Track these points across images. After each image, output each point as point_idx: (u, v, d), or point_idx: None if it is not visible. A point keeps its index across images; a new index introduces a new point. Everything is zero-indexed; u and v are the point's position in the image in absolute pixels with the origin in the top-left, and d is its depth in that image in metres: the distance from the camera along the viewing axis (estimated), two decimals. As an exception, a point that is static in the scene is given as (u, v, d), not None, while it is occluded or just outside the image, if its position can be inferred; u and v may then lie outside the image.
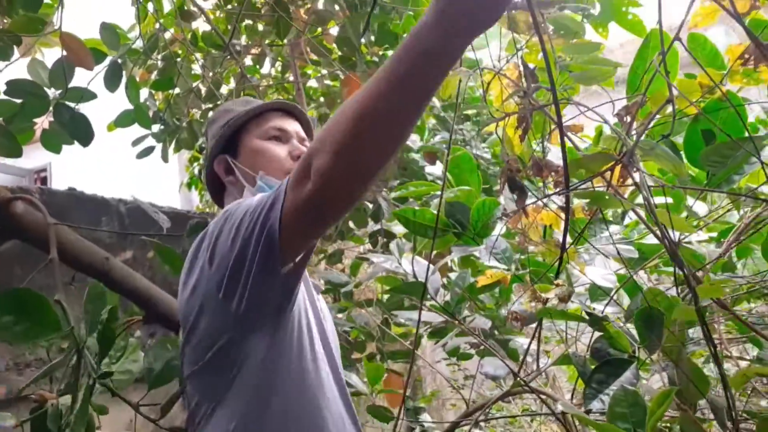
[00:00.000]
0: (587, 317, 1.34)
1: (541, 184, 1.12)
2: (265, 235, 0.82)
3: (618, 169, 0.99)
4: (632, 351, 1.24)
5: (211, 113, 3.07)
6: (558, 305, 1.22)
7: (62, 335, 1.35)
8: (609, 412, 0.98)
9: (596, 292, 1.42)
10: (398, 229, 2.65)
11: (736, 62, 0.84)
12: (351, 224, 2.62)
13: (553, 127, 1.21)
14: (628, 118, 1.06)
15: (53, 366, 1.30)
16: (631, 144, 0.83)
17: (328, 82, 3.34)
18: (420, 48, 0.64)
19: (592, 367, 1.27)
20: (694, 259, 1.28)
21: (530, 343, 1.54)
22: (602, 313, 1.35)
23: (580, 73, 0.98)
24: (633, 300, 1.33)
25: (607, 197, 0.92)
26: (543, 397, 1.29)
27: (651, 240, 1.43)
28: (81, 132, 1.89)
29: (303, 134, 1.22)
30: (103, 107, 2.69)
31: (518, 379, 1.26)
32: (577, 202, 1.23)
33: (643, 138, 0.89)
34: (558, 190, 0.96)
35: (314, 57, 2.89)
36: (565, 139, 0.88)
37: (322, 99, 3.34)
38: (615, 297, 1.43)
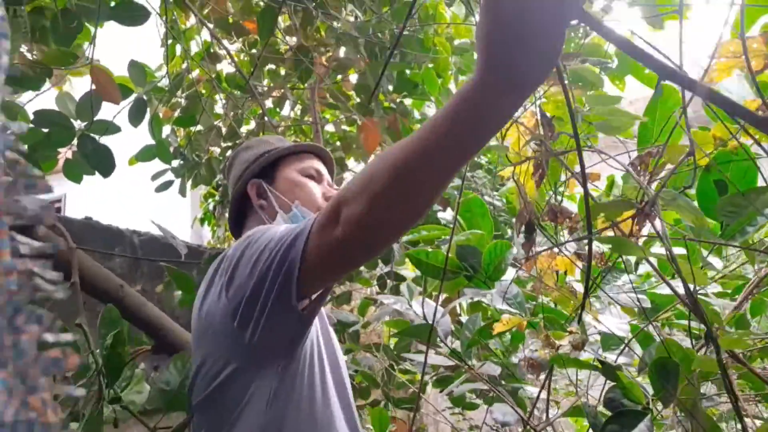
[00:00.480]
0: (600, 366, 1.33)
1: (552, 232, 1.13)
2: (284, 272, 0.82)
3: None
4: (646, 403, 1.22)
5: (230, 151, 3.14)
6: (571, 353, 1.21)
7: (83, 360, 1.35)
8: (623, 464, 0.96)
9: (608, 341, 1.41)
10: (407, 272, 2.65)
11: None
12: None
13: (567, 174, 1.24)
14: (643, 168, 1.08)
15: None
16: (652, 193, 0.85)
17: (345, 127, 3.42)
18: (467, 107, 0.62)
19: (604, 419, 1.25)
20: (711, 312, 1.27)
21: (540, 391, 1.51)
22: (615, 362, 1.33)
23: (602, 122, 1.01)
24: (646, 350, 1.32)
25: (628, 245, 0.93)
26: (553, 447, 1.26)
27: (664, 290, 1.43)
28: (103, 163, 1.94)
29: (330, 181, 1.26)
30: (120, 142, 2.76)
31: (528, 427, 1.24)
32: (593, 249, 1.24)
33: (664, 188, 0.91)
34: (579, 236, 0.97)
35: (332, 102, 2.98)
36: (587, 186, 0.90)
37: (338, 143, 3.41)
38: (626, 348, 1.42)
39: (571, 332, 1.24)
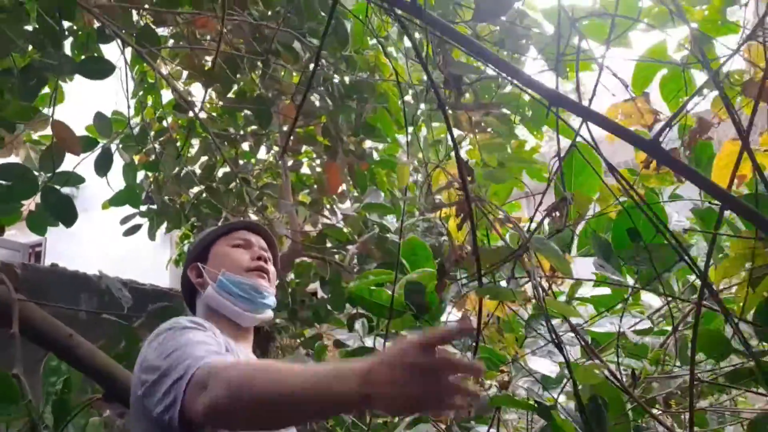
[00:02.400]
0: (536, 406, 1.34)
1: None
2: (168, 417, 0.94)
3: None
4: (579, 443, 1.24)
5: (204, 195, 3.19)
6: (500, 391, 1.24)
7: (19, 409, 1.37)
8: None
9: (549, 380, 1.43)
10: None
11: (643, 167, 0.92)
12: (329, 307, 2.65)
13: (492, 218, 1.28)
14: (558, 215, 1.13)
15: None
16: (527, 239, 0.89)
17: (319, 169, 3.48)
18: (334, 401, 0.77)
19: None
20: (636, 349, 1.30)
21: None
22: (557, 400, 1.36)
23: (489, 172, 1.06)
24: (584, 389, 1.34)
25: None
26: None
27: (602, 328, 1.45)
28: (65, 213, 1.98)
29: (265, 246, 1.37)
30: (101, 187, 2.81)
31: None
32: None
33: (540, 236, 0.95)
34: (468, 283, 1.01)
35: (304, 146, 3.05)
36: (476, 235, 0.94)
37: (315, 186, 3.46)
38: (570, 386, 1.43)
39: (502, 371, 1.27)
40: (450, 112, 1.20)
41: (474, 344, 1.18)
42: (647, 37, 1.11)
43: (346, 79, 2.21)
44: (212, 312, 1.25)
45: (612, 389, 1.25)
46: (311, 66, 2.28)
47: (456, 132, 1.25)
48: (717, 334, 1.14)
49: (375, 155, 2.42)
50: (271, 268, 1.34)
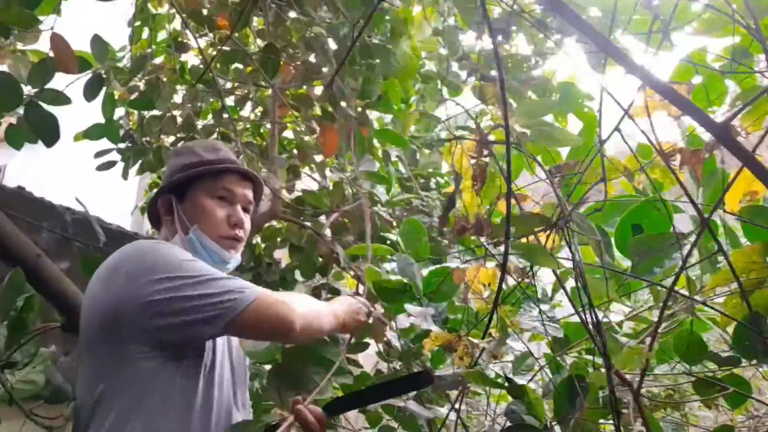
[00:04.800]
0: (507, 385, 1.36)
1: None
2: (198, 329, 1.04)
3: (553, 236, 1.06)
4: (547, 424, 1.26)
5: (181, 143, 3.09)
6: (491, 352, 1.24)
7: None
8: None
9: (519, 365, 1.46)
10: (345, 289, 2.65)
11: (658, 156, 0.94)
12: (297, 275, 2.62)
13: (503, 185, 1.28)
14: (559, 178, 1.14)
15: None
16: (568, 209, 0.90)
17: (306, 138, 3.42)
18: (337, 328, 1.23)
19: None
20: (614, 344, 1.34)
21: (448, 413, 1.54)
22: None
23: (541, 130, 1.06)
24: (554, 375, 1.37)
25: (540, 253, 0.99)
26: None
27: (575, 319, 1.49)
28: (48, 132, 1.89)
29: (251, 198, 1.29)
30: (69, 118, 2.69)
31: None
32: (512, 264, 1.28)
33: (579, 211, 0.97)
34: (497, 240, 1.02)
35: (293, 104, 3.00)
36: (511, 196, 0.95)
37: (295, 151, 3.40)
38: (537, 377, 1.46)
39: (490, 334, 1.27)
40: (478, 83, 1.20)
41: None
42: (687, 41, 1.14)
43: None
44: None
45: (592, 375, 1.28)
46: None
47: (480, 105, 1.26)
48: (695, 337, 1.19)
49: (375, 125, 2.39)
50: (247, 225, 1.27)
